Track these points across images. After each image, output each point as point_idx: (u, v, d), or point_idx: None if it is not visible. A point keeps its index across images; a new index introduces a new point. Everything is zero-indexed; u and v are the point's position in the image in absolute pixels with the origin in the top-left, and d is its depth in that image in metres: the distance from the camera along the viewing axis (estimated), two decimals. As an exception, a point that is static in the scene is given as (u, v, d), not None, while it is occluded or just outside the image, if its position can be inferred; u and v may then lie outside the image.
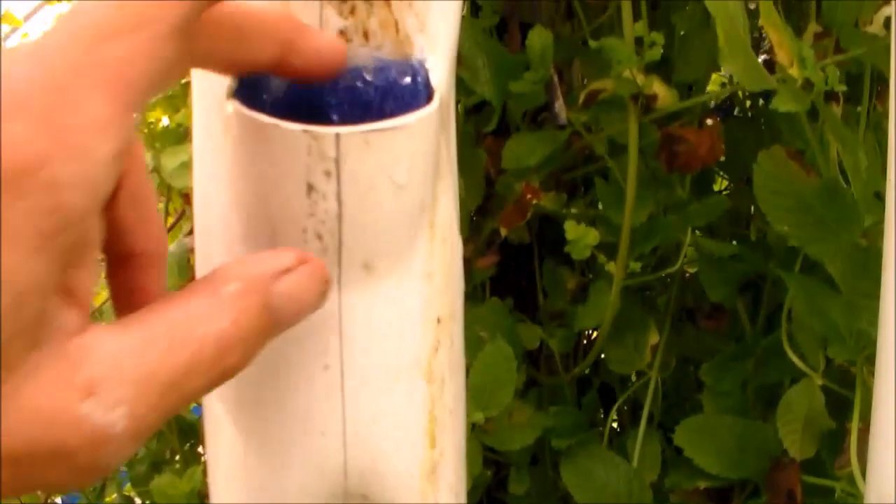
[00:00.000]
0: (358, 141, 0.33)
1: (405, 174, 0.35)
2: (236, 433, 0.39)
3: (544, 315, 0.81)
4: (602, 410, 0.85)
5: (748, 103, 0.90)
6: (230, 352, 0.26)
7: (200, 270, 0.41)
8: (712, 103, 0.85)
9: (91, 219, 0.24)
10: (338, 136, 0.33)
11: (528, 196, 0.69)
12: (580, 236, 0.62)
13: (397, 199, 0.35)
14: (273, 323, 0.28)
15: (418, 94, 0.36)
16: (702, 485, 0.72)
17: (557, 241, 0.87)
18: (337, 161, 0.33)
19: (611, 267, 0.65)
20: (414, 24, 0.38)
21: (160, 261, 0.31)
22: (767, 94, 0.86)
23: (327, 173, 0.34)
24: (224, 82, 0.35)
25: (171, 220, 0.99)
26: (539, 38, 0.63)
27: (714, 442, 0.72)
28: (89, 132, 0.23)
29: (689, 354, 0.81)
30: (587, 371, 0.81)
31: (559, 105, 0.67)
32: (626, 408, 0.84)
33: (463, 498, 0.43)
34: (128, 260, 0.30)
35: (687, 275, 0.80)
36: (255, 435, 0.39)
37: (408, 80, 0.37)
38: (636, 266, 0.68)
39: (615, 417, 0.79)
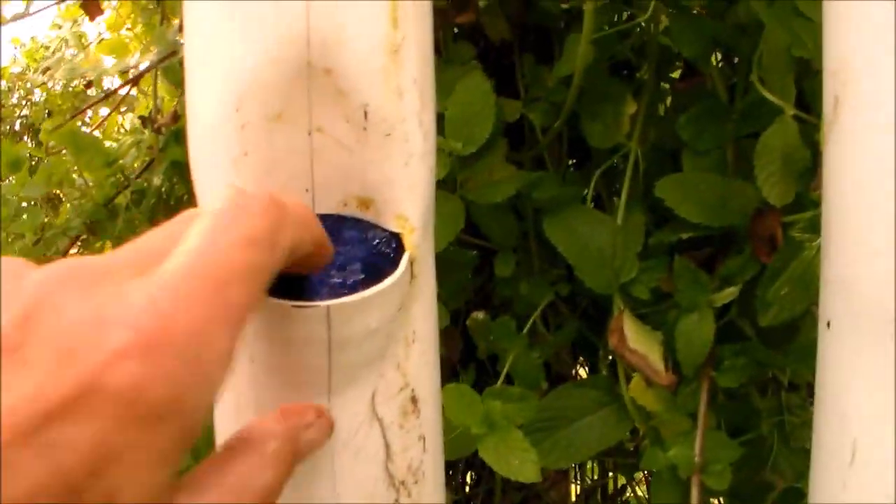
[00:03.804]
0: None
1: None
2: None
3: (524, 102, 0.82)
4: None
5: None
6: (273, 496, 0.33)
7: None
8: None
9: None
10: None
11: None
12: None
13: None
14: (296, 463, 0.35)
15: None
16: (684, 236, 0.73)
17: (536, 43, 0.89)
18: None
19: (587, 5, 0.66)
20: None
21: None
22: None
23: None
24: None
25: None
26: None
27: (696, 196, 0.72)
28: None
29: (667, 133, 0.81)
30: (566, 148, 0.82)
31: None
32: (604, 184, 0.85)
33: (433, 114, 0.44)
34: None
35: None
36: None
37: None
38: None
39: (595, 189, 0.80)
